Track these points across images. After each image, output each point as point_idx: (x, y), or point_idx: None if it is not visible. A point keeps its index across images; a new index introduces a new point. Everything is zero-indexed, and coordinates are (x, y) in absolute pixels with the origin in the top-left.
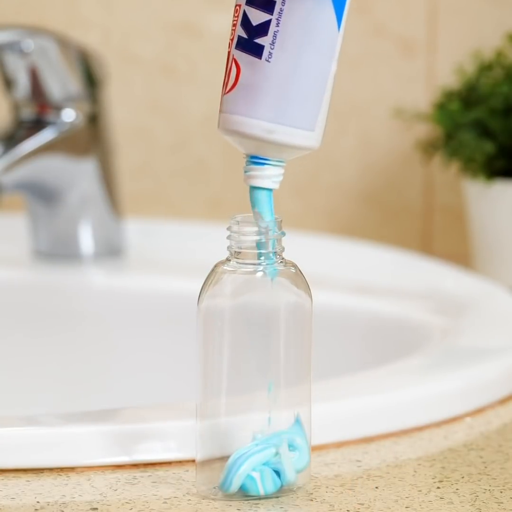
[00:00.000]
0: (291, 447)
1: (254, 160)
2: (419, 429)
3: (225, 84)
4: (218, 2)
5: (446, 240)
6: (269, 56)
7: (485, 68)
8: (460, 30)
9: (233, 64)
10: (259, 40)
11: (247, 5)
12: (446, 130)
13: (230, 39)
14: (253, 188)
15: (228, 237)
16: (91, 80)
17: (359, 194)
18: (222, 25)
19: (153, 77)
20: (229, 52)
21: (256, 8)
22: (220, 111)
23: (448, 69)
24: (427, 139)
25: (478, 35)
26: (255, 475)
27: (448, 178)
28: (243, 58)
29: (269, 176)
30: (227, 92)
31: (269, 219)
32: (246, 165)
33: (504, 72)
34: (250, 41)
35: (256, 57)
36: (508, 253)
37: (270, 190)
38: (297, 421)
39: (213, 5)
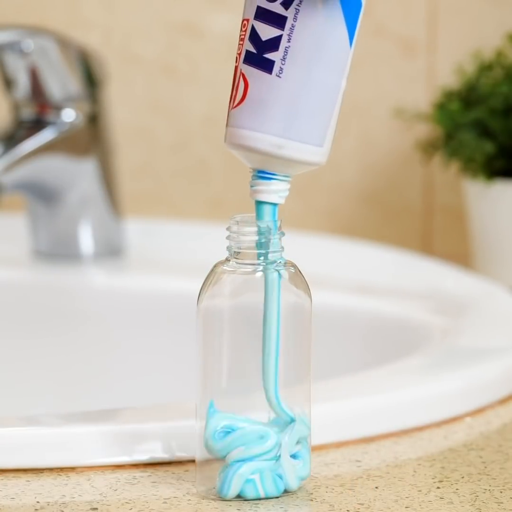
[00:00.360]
0: (293, 456)
1: (261, 174)
2: (419, 429)
3: (232, 98)
4: (219, 2)
5: (446, 240)
6: (280, 71)
7: (485, 68)
8: (460, 30)
9: (241, 79)
10: (269, 55)
11: (256, 20)
12: (446, 130)
13: (237, 54)
14: (259, 203)
15: (228, 237)
16: (91, 80)
17: (360, 194)
18: (223, 25)
19: (154, 77)
20: (236, 67)
21: (265, 23)
22: (227, 125)
23: (448, 69)
24: (427, 139)
25: (478, 35)
26: (254, 477)
27: (448, 178)
28: (252, 73)
29: (275, 191)
30: (235, 106)
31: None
32: (253, 180)
33: (504, 72)
34: (259, 56)
35: (266, 72)
36: (508, 253)
37: (276, 205)
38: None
39: (214, 5)
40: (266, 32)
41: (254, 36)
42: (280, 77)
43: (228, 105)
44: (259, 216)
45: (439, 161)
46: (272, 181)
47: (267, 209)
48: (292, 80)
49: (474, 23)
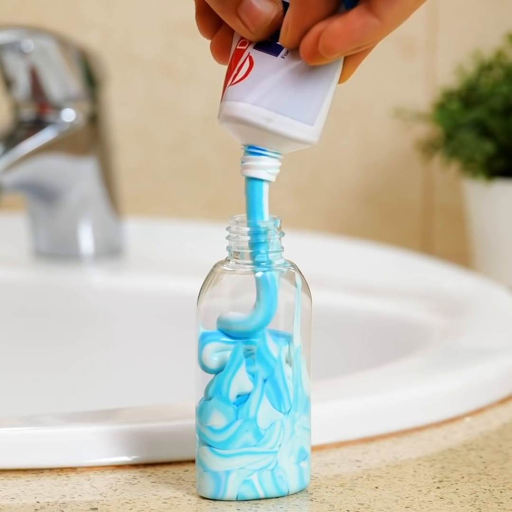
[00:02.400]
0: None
1: (251, 150)
2: (419, 429)
3: (232, 76)
4: None
5: (446, 240)
6: (285, 53)
7: (485, 68)
8: (460, 30)
9: (247, 60)
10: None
11: None
12: (446, 130)
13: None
14: (248, 179)
15: (227, 238)
16: (91, 80)
17: (359, 194)
18: None
19: (153, 77)
20: (243, 50)
21: None
22: (222, 100)
23: (448, 69)
24: (427, 139)
25: (478, 35)
26: (253, 478)
27: (448, 178)
28: (259, 56)
29: (265, 167)
30: (234, 83)
31: (260, 212)
32: (243, 156)
33: (504, 72)
34: (273, 43)
35: (273, 55)
36: (508, 253)
37: (264, 181)
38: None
39: None
40: None
41: None
42: (283, 58)
43: (224, 84)
44: (248, 193)
45: (439, 161)
46: (262, 157)
47: (256, 185)
48: (294, 60)
49: (474, 23)
